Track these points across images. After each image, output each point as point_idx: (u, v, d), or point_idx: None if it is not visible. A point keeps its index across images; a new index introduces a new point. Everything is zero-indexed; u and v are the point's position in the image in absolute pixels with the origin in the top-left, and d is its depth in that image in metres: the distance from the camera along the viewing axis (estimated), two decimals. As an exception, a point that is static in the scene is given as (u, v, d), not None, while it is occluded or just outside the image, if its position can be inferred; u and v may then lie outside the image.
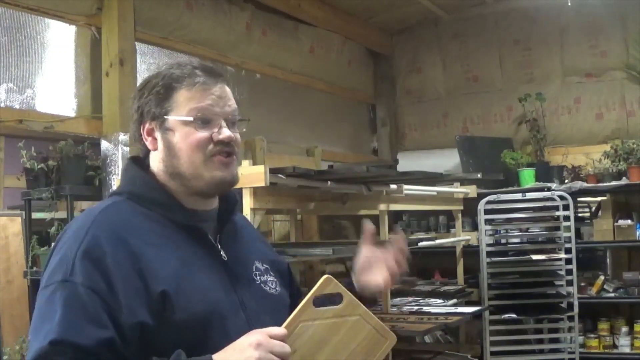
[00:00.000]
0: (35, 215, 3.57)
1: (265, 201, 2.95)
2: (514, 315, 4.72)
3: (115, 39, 3.52)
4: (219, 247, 1.40)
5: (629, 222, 4.86)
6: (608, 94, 5.42)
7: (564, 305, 4.76)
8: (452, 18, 5.98)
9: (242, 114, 1.44)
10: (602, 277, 5.03)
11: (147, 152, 1.43)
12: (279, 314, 1.31)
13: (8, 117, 3.19)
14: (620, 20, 5.35)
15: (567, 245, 4.75)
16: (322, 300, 1.31)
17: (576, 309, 4.70)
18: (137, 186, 1.39)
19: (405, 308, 4.13)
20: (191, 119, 1.35)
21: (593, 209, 5.36)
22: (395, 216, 5.63)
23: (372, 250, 1.53)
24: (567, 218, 4.74)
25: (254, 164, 3.14)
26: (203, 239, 1.37)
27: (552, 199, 4.78)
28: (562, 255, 4.71)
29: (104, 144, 3.54)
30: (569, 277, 4.72)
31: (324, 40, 5.43)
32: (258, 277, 1.44)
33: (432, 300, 4.39)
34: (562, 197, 4.74)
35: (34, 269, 3.37)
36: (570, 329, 4.73)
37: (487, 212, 4.86)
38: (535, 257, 4.67)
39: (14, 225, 4.15)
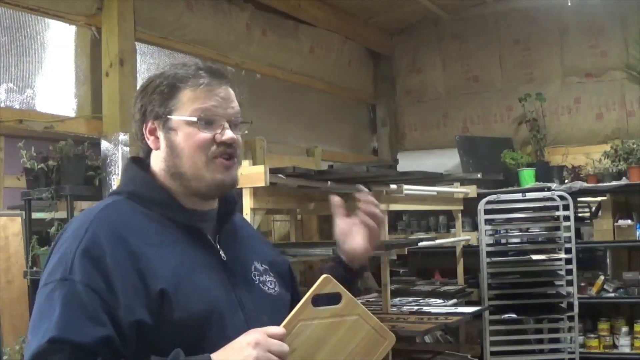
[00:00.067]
0: (35, 215, 3.57)
1: (265, 201, 2.95)
2: (514, 315, 4.72)
3: (115, 39, 3.52)
4: (218, 247, 1.40)
5: (629, 222, 4.86)
6: (608, 94, 5.43)
7: (564, 305, 4.76)
8: (452, 18, 5.98)
9: (244, 116, 1.44)
10: (602, 277, 5.03)
11: (148, 151, 1.43)
12: (278, 314, 1.31)
13: (8, 117, 3.19)
14: (620, 20, 5.36)
15: (567, 245, 4.75)
16: (322, 300, 1.31)
17: (576, 309, 4.70)
18: (137, 186, 1.39)
19: (405, 308, 4.12)
20: (195, 119, 1.35)
21: (593, 209, 5.36)
22: (395, 216, 5.63)
23: (346, 219, 1.53)
24: (567, 218, 4.74)
25: (254, 164, 3.15)
26: (202, 239, 1.38)
27: (552, 199, 4.78)
28: (562, 255, 4.71)
29: (104, 144, 3.54)
30: (569, 277, 4.72)
31: (324, 40, 5.43)
32: (257, 277, 1.44)
33: (432, 300, 4.39)
34: (562, 197, 4.74)
35: (34, 269, 3.38)
36: (570, 329, 4.73)
37: (487, 212, 4.87)
38: (535, 257, 4.67)
39: (14, 225, 4.16)
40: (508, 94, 5.74)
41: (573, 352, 4.73)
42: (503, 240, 5.11)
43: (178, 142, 1.36)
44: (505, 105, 5.78)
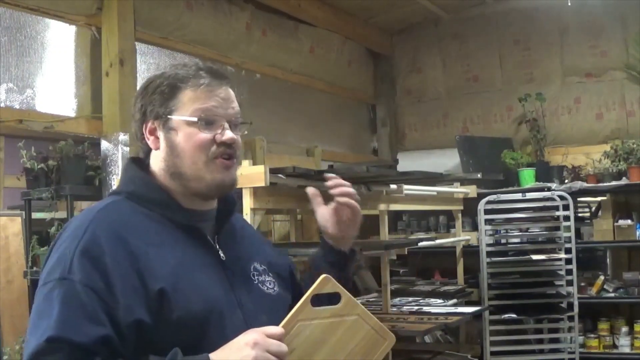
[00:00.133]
0: (35, 215, 3.57)
1: (265, 201, 2.95)
2: (514, 315, 4.72)
3: (115, 39, 3.52)
4: (217, 247, 1.40)
5: (629, 222, 4.86)
6: (608, 94, 5.43)
7: (564, 305, 4.76)
8: (452, 18, 5.98)
9: (244, 116, 1.45)
10: (602, 277, 5.03)
11: (148, 151, 1.43)
12: (277, 314, 1.31)
13: (8, 117, 3.19)
14: (620, 20, 5.36)
15: (567, 245, 4.74)
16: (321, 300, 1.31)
17: (576, 309, 4.70)
18: (136, 186, 1.39)
19: (405, 308, 4.12)
20: (195, 119, 1.35)
21: (593, 209, 5.36)
22: (395, 216, 5.63)
23: (325, 206, 1.55)
24: (567, 218, 4.74)
25: (254, 164, 3.15)
26: (201, 238, 1.38)
27: (552, 199, 4.78)
28: (562, 255, 4.71)
29: (104, 144, 3.54)
30: (569, 277, 4.72)
31: (324, 40, 5.44)
32: (256, 277, 1.44)
33: (432, 300, 4.38)
34: (562, 197, 4.74)
35: (34, 269, 3.37)
36: (570, 329, 4.73)
37: (487, 212, 4.87)
38: (535, 257, 4.67)
39: (14, 225, 4.16)
40: (508, 94, 5.74)
41: (573, 352, 4.73)
42: (503, 240, 5.11)
43: (178, 142, 1.36)
44: (505, 105, 5.78)
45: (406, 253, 3.90)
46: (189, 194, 1.39)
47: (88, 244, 1.24)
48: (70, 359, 1.14)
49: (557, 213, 4.77)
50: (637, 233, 4.83)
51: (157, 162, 1.41)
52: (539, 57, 5.67)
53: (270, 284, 1.46)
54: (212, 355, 1.21)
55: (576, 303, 4.71)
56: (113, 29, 3.54)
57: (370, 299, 4.55)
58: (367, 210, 3.88)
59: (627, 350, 4.87)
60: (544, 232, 4.92)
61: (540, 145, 5.39)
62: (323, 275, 1.32)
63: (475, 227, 5.16)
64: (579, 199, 5.21)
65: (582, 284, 4.99)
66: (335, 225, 1.54)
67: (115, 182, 3.42)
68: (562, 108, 5.58)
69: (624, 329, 4.91)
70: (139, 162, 1.44)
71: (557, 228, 4.83)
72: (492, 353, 4.71)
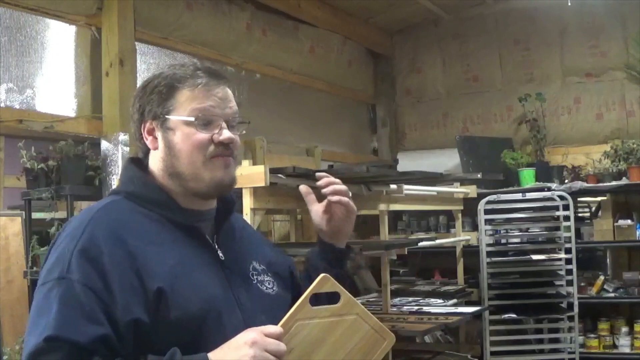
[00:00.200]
0: (35, 215, 3.57)
1: (265, 201, 2.95)
2: (514, 315, 4.72)
3: (115, 39, 3.52)
4: (216, 246, 1.40)
5: (629, 222, 4.86)
6: (608, 94, 5.43)
7: (564, 305, 4.76)
8: (452, 18, 5.98)
9: (243, 115, 1.45)
10: (602, 277, 5.03)
11: (147, 151, 1.43)
12: (276, 314, 1.31)
13: (8, 117, 3.19)
14: (620, 20, 5.36)
15: (567, 245, 4.74)
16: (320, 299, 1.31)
17: (576, 309, 4.70)
18: (135, 186, 1.39)
19: (405, 308, 4.12)
20: (192, 119, 1.35)
21: (593, 209, 5.36)
22: (395, 216, 5.63)
23: (318, 204, 1.56)
24: (567, 218, 4.74)
25: (254, 164, 3.14)
26: (200, 238, 1.38)
27: (552, 199, 4.78)
28: (562, 255, 4.71)
29: (104, 144, 3.54)
30: (569, 277, 4.72)
31: (324, 40, 5.44)
32: (255, 277, 1.44)
33: (432, 300, 4.38)
34: (562, 197, 4.74)
35: (34, 269, 3.37)
36: (570, 329, 4.73)
37: (487, 212, 4.86)
38: (535, 257, 4.67)
39: (14, 225, 4.16)
40: (508, 94, 5.74)
41: (573, 352, 4.73)
42: (503, 240, 5.11)
43: (176, 142, 1.36)
44: (505, 105, 5.78)
45: (406, 253, 3.90)
46: (188, 194, 1.38)
47: (86, 243, 1.24)
48: (68, 359, 1.15)
49: (557, 213, 4.77)
50: (637, 233, 4.83)
51: (155, 162, 1.41)
52: (539, 57, 5.66)
53: (269, 284, 1.46)
54: (210, 354, 1.21)
55: (576, 303, 4.71)
56: (113, 29, 3.54)
57: (370, 299, 4.55)
58: (367, 210, 3.89)
59: (627, 350, 4.87)
60: (544, 232, 4.92)
61: (540, 145, 5.39)
62: (322, 275, 1.32)
63: (475, 227, 5.16)
64: (579, 199, 5.21)
65: (582, 284, 4.99)
66: (329, 223, 1.54)
67: (115, 182, 3.42)
68: (562, 108, 5.58)
69: (624, 329, 4.91)
70: (138, 162, 1.44)
71: (557, 228, 4.83)
72: (492, 353, 4.71)
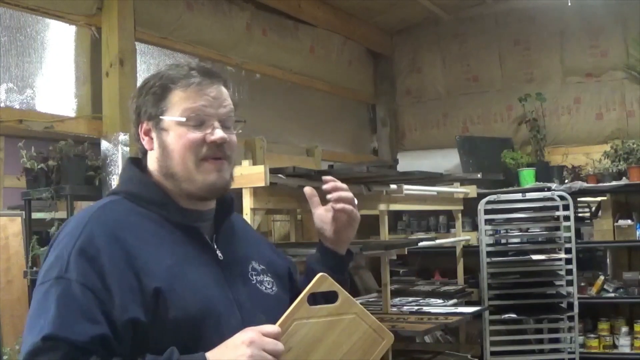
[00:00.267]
0: (35, 215, 3.57)
1: (265, 201, 2.95)
2: (514, 315, 4.72)
3: (115, 39, 3.52)
4: (215, 246, 1.40)
5: (629, 222, 4.86)
6: (608, 94, 5.42)
7: (564, 305, 4.76)
8: (452, 18, 5.98)
9: (241, 114, 1.44)
10: (602, 277, 5.03)
11: (146, 152, 1.44)
12: (275, 314, 1.30)
13: (8, 117, 3.19)
14: (620, 20, 5.36)
15: (567, 245, 4.74)
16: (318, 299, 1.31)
17: (576, 309, 4.70)
18: (134, 186, 1.39)
19: (405, 308, 4.12)
20: (184, 119, 1.35)
21: (593, 209, 5.36)
22: (395, 216, 5.63)
23: (322, 207, 1.54)
24: (567, 218, 4.74)
25: (254, 164, 3.15)
26: (199, 238, 1.38)
27: (552, 199, 4.78)
28: (562, 255, 4.71)
29: (104, 144, 3.54)
30: (569, 277, 4.72)
31: (324, 40, 5.44)
32: (254, 277, 1.44)
33: (432, 300, 4.39)
34: (562, 197, 4.74)
35: (34, 269, 3.37)
36: (570, 329, 4.73)
37: (487, 212, 4.87)
38: (535, 257, 4.67)
39: (14, 226, 4.16)
40: (508, 94, 5.73)
41: (573, 352, 4.73)
42: (503, 240, 5.11)
43: (169, 143, 1.37)
44: (505, 105, 5.77)
45: (406, 253, 3.91)
46: (183, 195, 1.39)
47: (85, 243, 1.24)
48: (66, 358, 1.15)
49: (557, 213, 4.77)
50: (637, 233, 4.83)
51: (152, 162, 1.41)
52: (539, 57, 5.66)
53: (268, 284, 1.46)
54: (208, 354, 1.21)
55: (576, 303, 4.71)
56: (113, 29, 3.54)
57: (370, 299, 4.55)
58: (367, 210, 3.89)
59: (627, 350, 4.86)
60: (544, 232, 4.92)
61: (540, 145, 5.39)
62: (320, 274, 1.32)
63: (475, 227, 5.16)
64: (579, 199, 5.21)
65: (582, 284, 4.99)
66: (332, 228, 1.52)
67: (115, 182, 3.42)
68: (562, 108, 5.57)
69: (624, 329, 4.91)
70: (137, 163, 1.45)
71: (557, 228, 4.83)
72: (492, 353, 4.71)
